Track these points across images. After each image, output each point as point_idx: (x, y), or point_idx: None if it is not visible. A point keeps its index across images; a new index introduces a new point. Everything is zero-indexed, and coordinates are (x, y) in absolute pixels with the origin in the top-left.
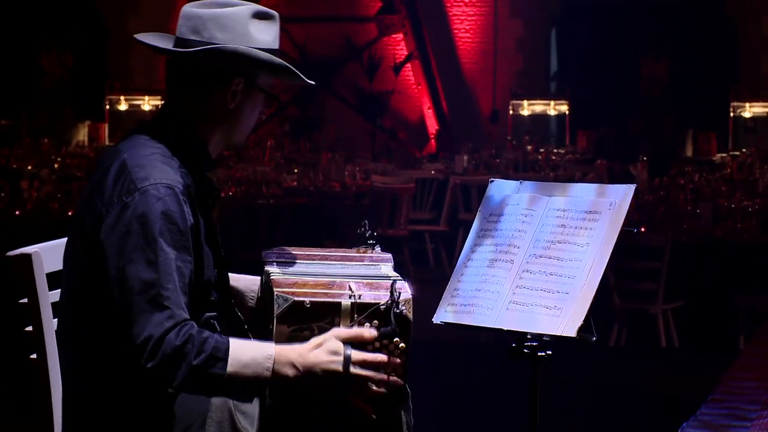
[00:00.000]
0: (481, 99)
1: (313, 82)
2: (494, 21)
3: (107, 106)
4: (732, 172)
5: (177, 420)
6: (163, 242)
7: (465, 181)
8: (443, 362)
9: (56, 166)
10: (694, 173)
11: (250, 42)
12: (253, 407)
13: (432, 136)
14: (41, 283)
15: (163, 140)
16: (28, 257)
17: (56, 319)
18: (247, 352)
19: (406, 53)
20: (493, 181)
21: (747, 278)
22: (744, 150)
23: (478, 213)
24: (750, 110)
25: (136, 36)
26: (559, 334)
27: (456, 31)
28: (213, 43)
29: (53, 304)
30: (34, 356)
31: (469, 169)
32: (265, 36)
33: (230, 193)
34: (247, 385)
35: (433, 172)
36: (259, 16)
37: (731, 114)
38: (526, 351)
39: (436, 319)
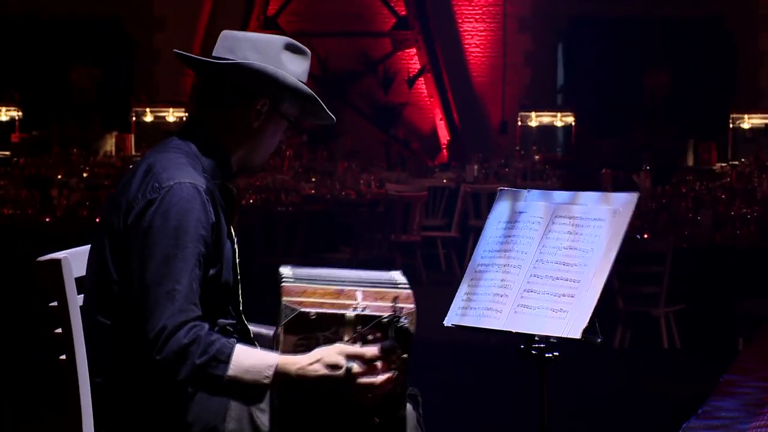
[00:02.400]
0: (490, 111)
1: (334, 118)
2: (503, 36)
3: (133, 118)
4: (731, 180)
5: (197, 417)
6: (184, 239)
7: (475, 189)
8: (453, 363)
9: (85, 174)
10: (695, 182)
11: (279, 68)
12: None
13: (444, 146)
14: (70, 287)
15: (188, 148)
16: (57, 262)
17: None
18: (249, 359)
19: (419, 67)
20: (502, 189)
21: (745, 282)
22: (743, 159)
23: (487, 220)
24: (749, 121)
25: (175, 51)
26: (566, 336)
27: (467, 46)
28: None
29: (81, 308)
30: (63, 357)
31: (479, 177)
32: (294, 67)
33: (250, 201)
34: (246, 390)
35: (444, 180)
36: (292, 48)
37: (730, 125)
38: (533, 352)
39: (447, 321)
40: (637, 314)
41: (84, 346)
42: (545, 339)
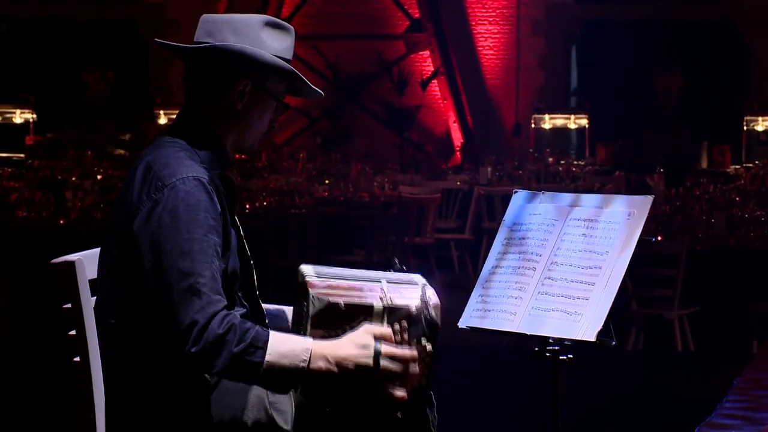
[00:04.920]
0: (504, 113)
1: (321, 92)
2: (517, 39)
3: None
4: (745, 183)
5: (213, 416)
6: (195, 231)
7: (489, 191)
8: (467, 365)
9: (99, 177)
10: (708, 184)
11: (260, 46)
12: (288, 405)
13: (457, 148)
14: (84, 289)
15: (182, 142)
16: (71, 264)
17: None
18: (285, 344)
19: (433, 69)
20: (516, 191)
21: (759, 285)
22: (757, 162)
23: (502, 222)
24: (762, 124)
25: (156, 39)
26: (580, 339)
27: (480, 49)
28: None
29: (94, 309)
30: (77, 359)
31: (492, 180)
32: (275, 44)
33: (264, 203)
34: (283, 375)
35: (458, 182)
36: (272, 24)
37: (744, 127)
38: (547, 354)
39: (462, 323)
40: (651, 317)
41: (98, 347)
42: (559, 341)
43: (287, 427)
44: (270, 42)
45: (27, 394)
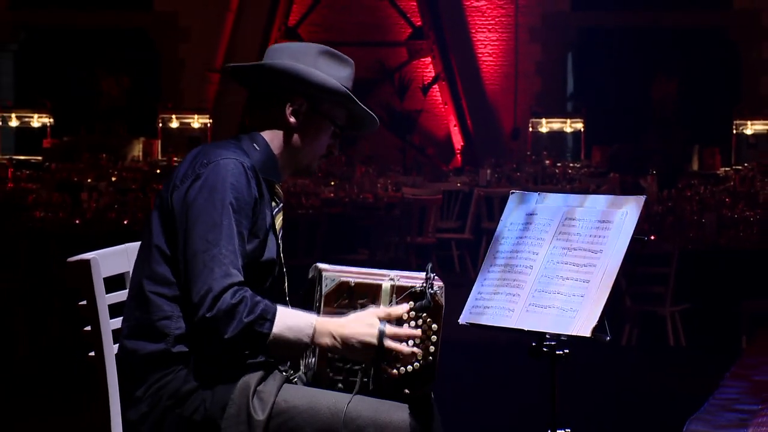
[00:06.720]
0: (503, 117)
1: (377, 120)
2: (515, 46)
3: (160, 124)
4: (735, 184)
5: (201, 402)
6: (228, 208)
7: (488, 192)
8: (467, 360)
9: (113, 179)
10: (699, 186)
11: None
12: (272, 396)
13: (458, 151)
14: (99, 287)
15: (236, 144)
16: (87, 263)
17: (113, 320)
18: (292, 318)
19: (434, 75)
20: (513, 192)
21: (748, 283)
22: (746, 164)
23: (500, 222)
24: (751, 128)
25: (225, 65)
26: (575, 334)
27: (480, 55)
28: None
29: (110, 306)
30: (92, 354)
31: (492, 181)
32: (331, 70)
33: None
34: (288, 347)
35: (458, 184)
36: (329, 53)
37: (734, 131)
38: (544, 350)
39: (462, 320)
40: (644, 313)
41: (111, 343)
42: (556, 337)
43: (261, 417)
44: (325, 67)
45: (36, 394)
